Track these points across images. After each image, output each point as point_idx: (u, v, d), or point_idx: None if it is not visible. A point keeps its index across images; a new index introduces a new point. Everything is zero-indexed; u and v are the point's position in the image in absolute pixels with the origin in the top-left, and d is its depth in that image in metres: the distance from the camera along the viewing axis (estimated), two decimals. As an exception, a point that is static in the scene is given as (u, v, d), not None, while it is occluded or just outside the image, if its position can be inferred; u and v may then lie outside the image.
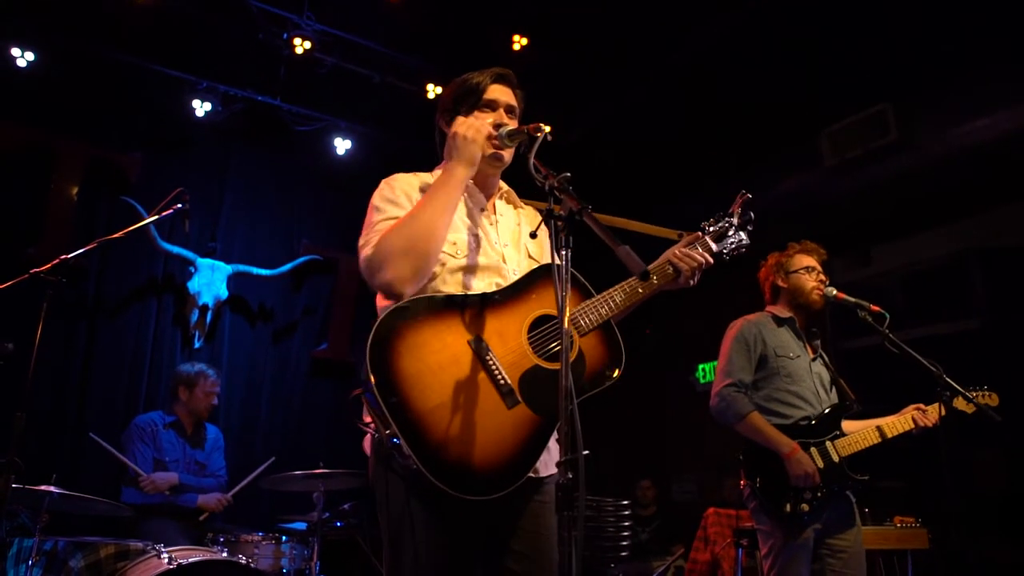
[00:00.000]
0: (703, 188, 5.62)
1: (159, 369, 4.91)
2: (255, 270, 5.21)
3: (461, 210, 1.98)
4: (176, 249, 4.94)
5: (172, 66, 4.97)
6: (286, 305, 5.50)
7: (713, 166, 5.64)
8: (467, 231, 1.95)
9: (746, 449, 3.00)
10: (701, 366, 6.81)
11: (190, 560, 2.91)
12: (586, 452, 1.50)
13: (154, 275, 5.05)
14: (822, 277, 3.22)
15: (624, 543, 4.02)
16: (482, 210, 2.04)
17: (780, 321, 3.19)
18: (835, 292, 3.14)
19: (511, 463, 1.68)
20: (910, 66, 4.71)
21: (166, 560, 2.96)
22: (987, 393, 3.05)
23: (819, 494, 2.84)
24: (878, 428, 3.00)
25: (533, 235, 1.75)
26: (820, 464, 2.88)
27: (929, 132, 4.70)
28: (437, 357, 1.70)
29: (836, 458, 2.91)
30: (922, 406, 3.04)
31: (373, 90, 5.37)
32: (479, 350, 1.74)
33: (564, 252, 1.62)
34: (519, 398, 1.73)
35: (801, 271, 3.21)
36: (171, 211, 3.68)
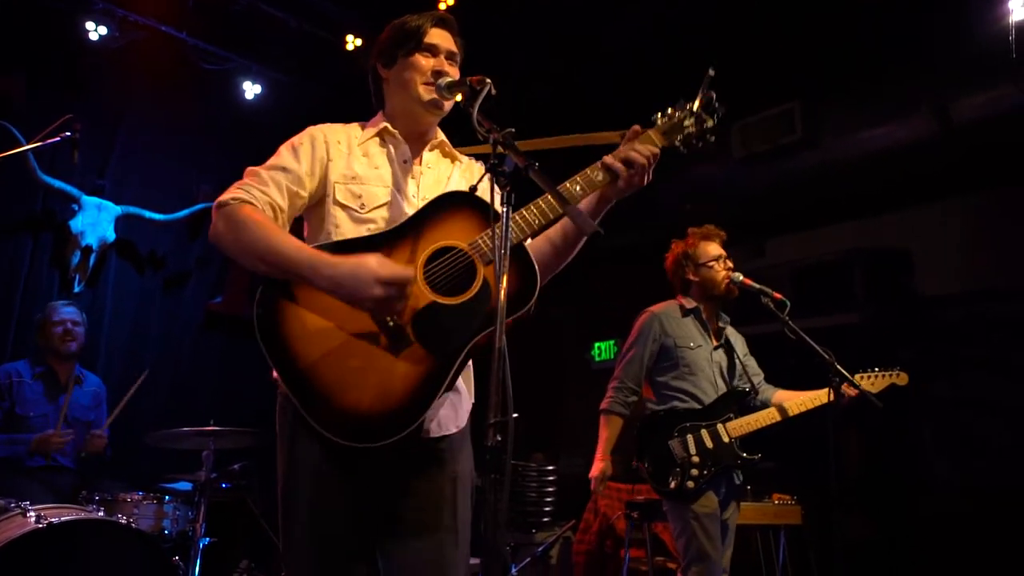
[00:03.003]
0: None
1: (30, 315, 4.48)
2: (147, 213, 4.85)
3: (380, 160, 1.89)
4: (59, 184, 4.51)
5: (63, -19, 4.52)
6: (180, 253, 5.15)
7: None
8: (379, 184, 1.85)
9: (637, 433, 3.17)
10: (597, 344, 6.96)
11: (62, 519, 2.69)
12: (516, 415, 1.48)
13: (31, 210, 4.61)
14: (729, 264, 3.36)
15: (547, 508, 4.09)
16: (405, 161, 1.92)
17: (686, 312, 3.32)
18: (741, 278, 3.29)
19: (402, 407, 1.62)
20: (821, 68, 4.92)
21: (33, 518, 2.72)
22: (897, 373, 3.25)
23: (705, 472, 3.03)
24: (779, 407, 3.19)
25: (473, 189, 1.69)
26: (710, 445, 3.06)
27: (832, 134, 4.95)
28: (324, 304, 1.64)
29: (726, 439, 3.11)
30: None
31: (289, 35, 5.09)
32: None
33: (506, 208, 1.59)
34: (412, 339, 1.65)
35: (710, 262, 3.30)
36: (57, 139, 3.38)
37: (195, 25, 4.90)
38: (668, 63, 5.18)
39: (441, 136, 2.02)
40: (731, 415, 3.15)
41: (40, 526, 2.61)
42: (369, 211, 1.81)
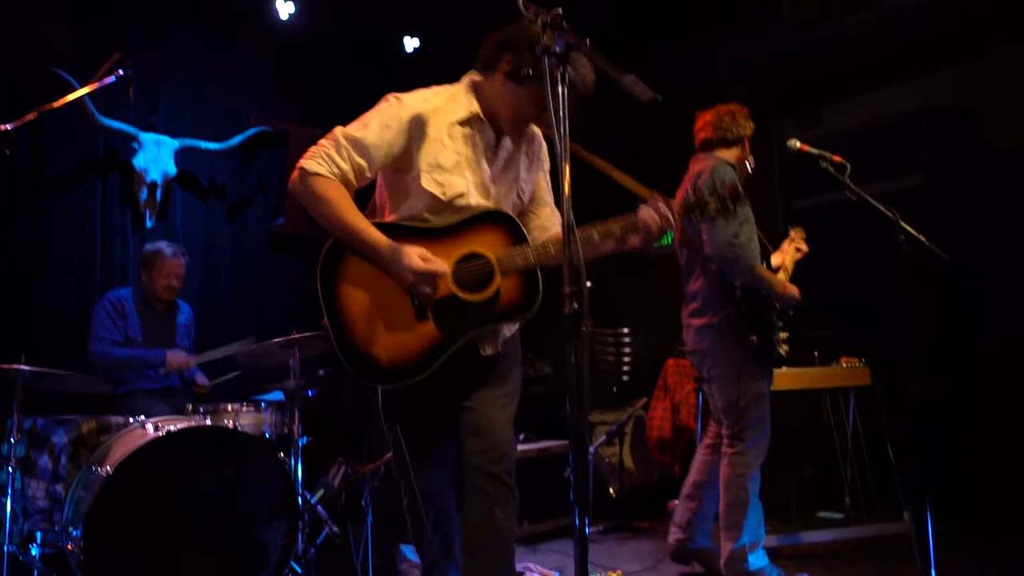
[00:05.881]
0: (663, 53, 5.51)
1: (111, 249, 4.74)
2: (203, 144, 4.96)
3: (465, 148, 2.16)
4: (116, 124, 4.64)
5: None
6: (238, 180, 5.28)
7: (670, 30, 5.51)
8: (459, 174, 2.14)
9: (744, 306, 3.12)
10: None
11: (178, 427, 2.96)
12: (588, 284, 1.57)
13: (95, 153, 4.77)
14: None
15: (625, 369, 4.26)
16: (488, 148, 2.21)
17: (734, 168, 3.27)
18: (798, 144, 3.17)
19: (410, 365, 2.09)
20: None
21: (151, 429, 3.00)
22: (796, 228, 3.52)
23: (785, 334, 3.13)
24: (783, 265, 3.43)
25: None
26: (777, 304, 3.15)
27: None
28: (371, 276, 2.10)
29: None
30: (792, 236, 3.48)
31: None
32: None
33: (561, 89, 1.63)
34: (428, 316, 2.08)
35: (749, 136, 3.35)
36: (112, 78, 3.47)
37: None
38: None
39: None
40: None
41: (160, 434, 2.88)
42: (448, 199, 2.12)
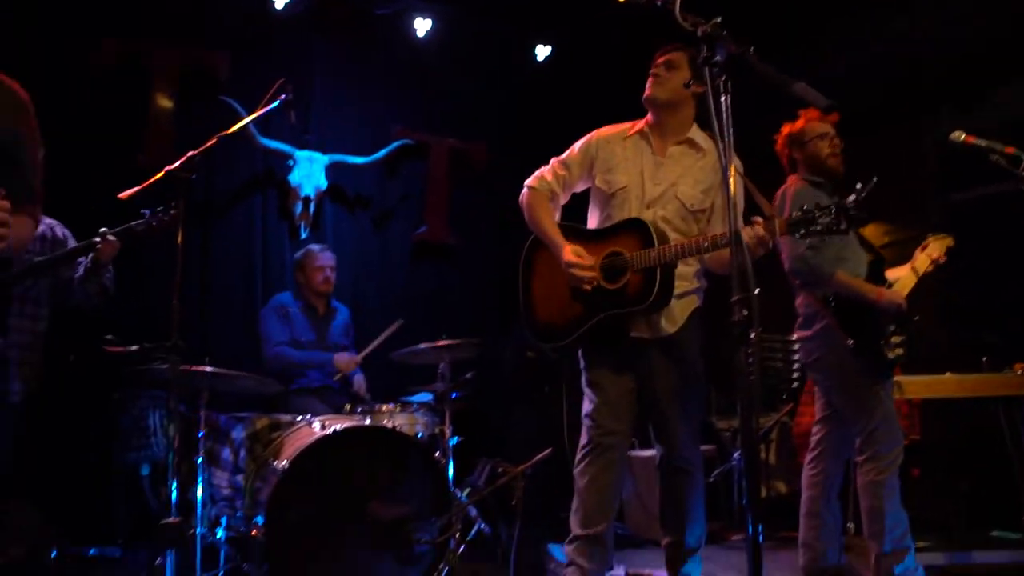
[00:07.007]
0: (804, 44, 5.29)
1: (270, 263, 5.15)
2: (350, 159, 5.29)
3: (633, 153, 2.75)
4: (274, 144, 5.03)
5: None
6: (382, 191, 5.59)
7: (814, 12, 5.28)
8: (626, 173, 2.73)
9: (837, 313, 3.03)
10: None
11: (343, 426, 3.17)
12: (757, 291, 1.56)
13: (255, 172, 5.20)
14: (836, 141, 3.21)
15: (795, 376, 4.20)
16: (654, 153, 2.73)
17: (815, 184, 3.17)
18: (963, 136, 3.02)
19: (559, 331, 2.74)
20: None
21: (318, 428, 3.23)
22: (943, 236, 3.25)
23: (904, 338, 3.00)
24: (913, 269, 3.23)
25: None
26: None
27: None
28: (551, 264, 2.72)
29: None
30: (929, 243, 3.29)
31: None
32: None
33: (724, 98, 1.63)
34: (579, 296, 2.64)
35: (815, 139, 3.20)
36: (277, 103, 3.74)
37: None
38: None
39: (691, 135, 2.73)
40: (888, 284, 3.11)
41: (327, 432, 3.11)
42: (614, 191, 2.72)
